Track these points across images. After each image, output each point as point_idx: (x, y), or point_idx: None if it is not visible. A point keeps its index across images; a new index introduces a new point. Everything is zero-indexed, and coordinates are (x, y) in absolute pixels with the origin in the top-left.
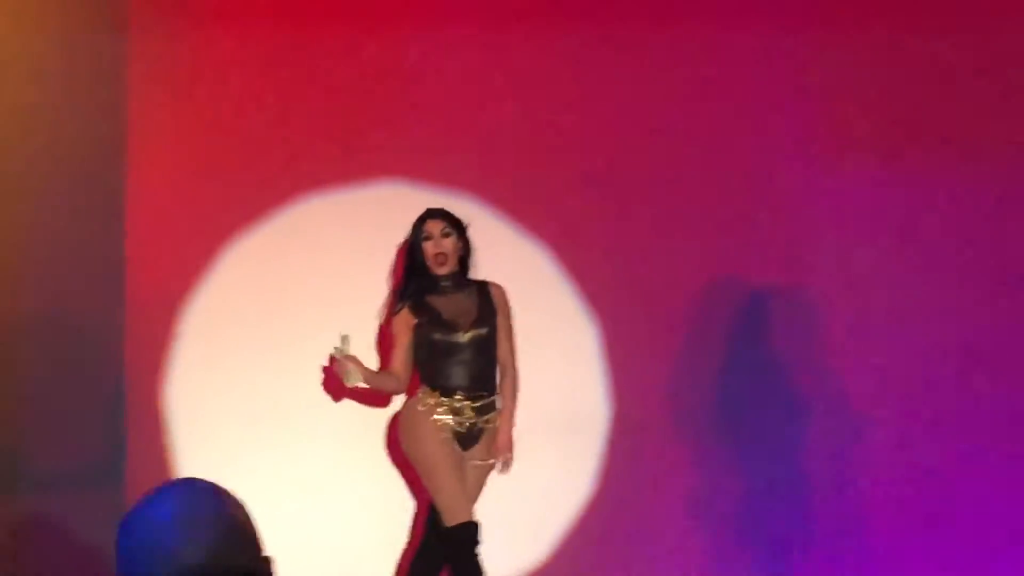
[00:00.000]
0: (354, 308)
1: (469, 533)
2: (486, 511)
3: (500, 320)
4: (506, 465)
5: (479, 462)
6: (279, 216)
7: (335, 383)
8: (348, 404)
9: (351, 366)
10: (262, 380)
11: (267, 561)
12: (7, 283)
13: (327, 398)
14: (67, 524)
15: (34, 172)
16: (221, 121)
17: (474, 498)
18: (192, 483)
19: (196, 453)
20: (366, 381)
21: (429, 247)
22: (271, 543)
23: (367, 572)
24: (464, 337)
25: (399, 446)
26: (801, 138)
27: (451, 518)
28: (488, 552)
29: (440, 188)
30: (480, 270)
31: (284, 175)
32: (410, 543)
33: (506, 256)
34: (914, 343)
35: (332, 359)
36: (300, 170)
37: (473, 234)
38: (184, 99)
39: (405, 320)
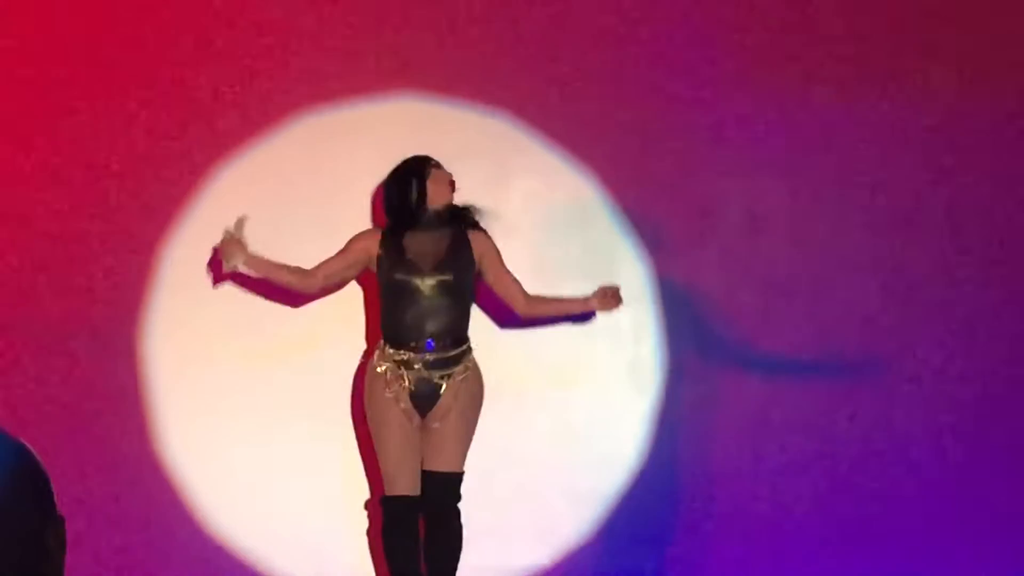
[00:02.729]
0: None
1: (393, 509)
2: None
3: (491, 264)
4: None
5: (437, 425)
6: (274, 136)
7: (219, 266)
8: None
9: (233, 247)
10: (247, 329)
11: (58, 522)
12: None
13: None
14: None
15: None
16: (206, 26)
17: (442, 462)
18: None
19: (173, 411)
20: (253, 268)
21: (443, 174)
22: (246, 507)
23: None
24: (426, 281)
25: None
26: None
27: (386, 488)
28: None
29: (460, 103)
30: (513, 194)
31: (279, 90)
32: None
33: (540, 182)
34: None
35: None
36: (297, 84)
37: (502, 157)
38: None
39: (367, 243)
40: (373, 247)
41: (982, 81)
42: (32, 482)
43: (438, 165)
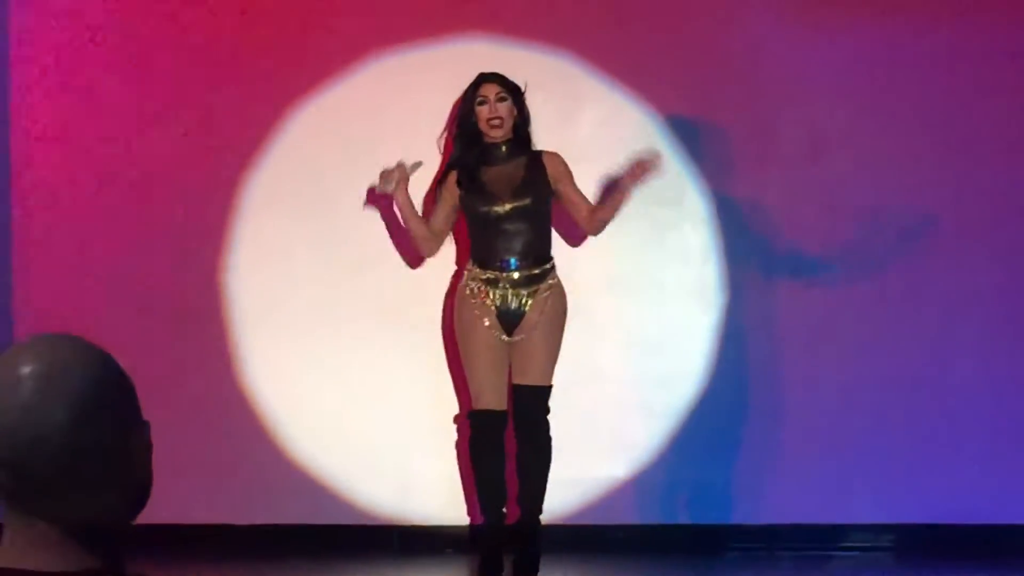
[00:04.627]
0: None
1: (479, 422)
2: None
3: (565, 187)
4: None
5: (523, 338)
6: (348, 77)
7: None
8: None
9: (396, 174)
10: (325, 262)
11: (142, 427)
12: None
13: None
14: None
15: None
16: None
17: (531, 375)
18: (57, 339)
19: (255, 339)
20: (400, 201)
21: (483, 111)
22: (326, 438)
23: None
24: (504, 208)
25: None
26: None
27: (473, 402)
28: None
29: (529, 44)
30: (577, 134)
31: (351, 31)
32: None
33: (605, 119)
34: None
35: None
36: (369, 25)
37: (568, 95)
38: None
39: (450, 188)
40: (455, 188)
41: None
42: (115, 390)
43: (484, 101)
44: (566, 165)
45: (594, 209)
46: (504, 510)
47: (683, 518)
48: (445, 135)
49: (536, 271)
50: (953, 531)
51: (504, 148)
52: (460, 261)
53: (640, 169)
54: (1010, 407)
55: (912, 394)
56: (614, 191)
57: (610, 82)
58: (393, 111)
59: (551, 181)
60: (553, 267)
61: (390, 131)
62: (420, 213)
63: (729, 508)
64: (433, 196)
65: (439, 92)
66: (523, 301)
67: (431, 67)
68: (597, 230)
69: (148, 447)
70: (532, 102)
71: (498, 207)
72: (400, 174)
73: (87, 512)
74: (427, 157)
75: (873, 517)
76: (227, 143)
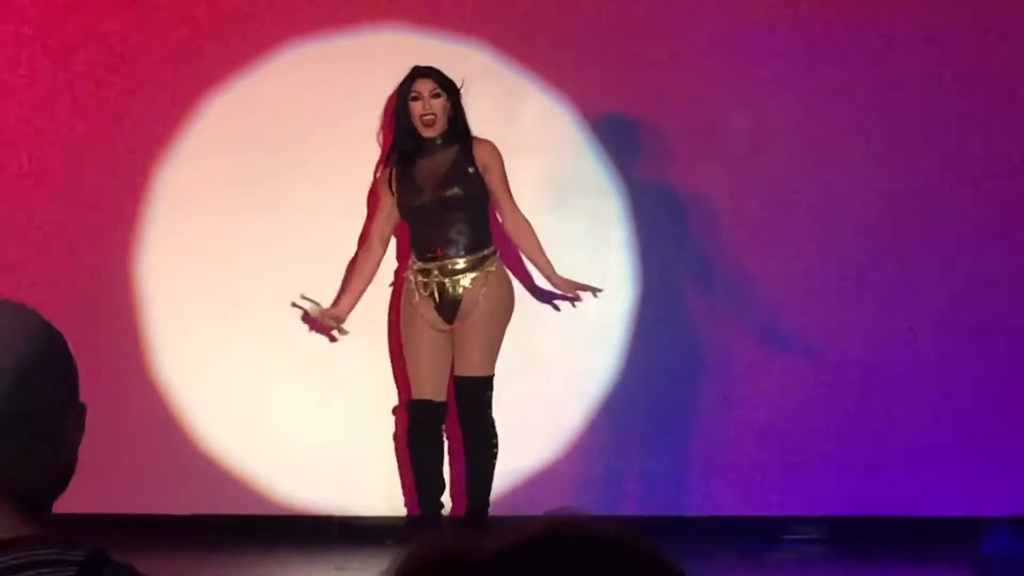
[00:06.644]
0: (347, 166)
1: (416, 412)
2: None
3: (491, 178)
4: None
5: (459, 327)
6: (263, 66)
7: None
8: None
9: (328, 319)
10: (241, 253)
11: (79, 409)
12: None
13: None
14: None
15: None
16: None
17: (467, 366)
18: (3, 305)
19: (168, 329)
20: (347, 312)
21: (416, 107)
22: (261, 426)
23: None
24: (428, 199)
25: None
26: None
27: (412, 393)
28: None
29: (446, 34)
30: (494, 127)
31: (267, 19)
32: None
33: (522, 112)
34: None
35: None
36: (286, 15)
37: (484, 88)
38: None
39: (386, 188)
40: (389, 183)
41: None
42: (56, 364)
43: (417, 97)
44: (498, 156)
45: (523, 231)
46: (442, 500)
47: (625, 509)
48: (382, 130)
49: (474, 258)
50: (888, 523)
51: (439, 140)
52: (402, 255)
53: (573, 290)
54: (945, 401)
55: (849, 388)
56: (549, 267)
57: (545, 78)
58: (311, 102)
59: (480, 169)
60: (493, 254)
61: (306, 123)
62: (366, 214)
63: (671, 500)
64: (377, 193)
65: (361, 83)
66: (460, 291)
67: (350, 57)
68: (513, 236)
69: (80, 429)
70: (471, 95)
71: (427, 198)
72: (328, 316)
73: (9, 476)
74: (343, 147)
75: (810, 509)
76: (139, 131)
